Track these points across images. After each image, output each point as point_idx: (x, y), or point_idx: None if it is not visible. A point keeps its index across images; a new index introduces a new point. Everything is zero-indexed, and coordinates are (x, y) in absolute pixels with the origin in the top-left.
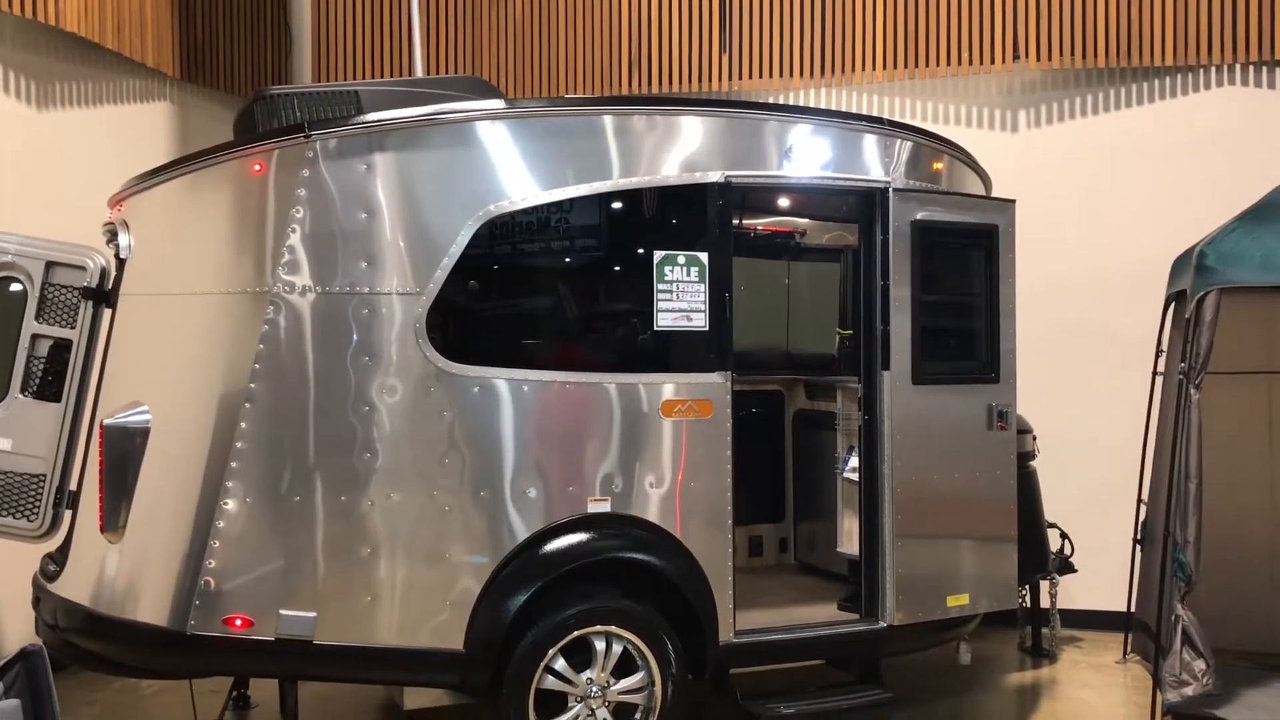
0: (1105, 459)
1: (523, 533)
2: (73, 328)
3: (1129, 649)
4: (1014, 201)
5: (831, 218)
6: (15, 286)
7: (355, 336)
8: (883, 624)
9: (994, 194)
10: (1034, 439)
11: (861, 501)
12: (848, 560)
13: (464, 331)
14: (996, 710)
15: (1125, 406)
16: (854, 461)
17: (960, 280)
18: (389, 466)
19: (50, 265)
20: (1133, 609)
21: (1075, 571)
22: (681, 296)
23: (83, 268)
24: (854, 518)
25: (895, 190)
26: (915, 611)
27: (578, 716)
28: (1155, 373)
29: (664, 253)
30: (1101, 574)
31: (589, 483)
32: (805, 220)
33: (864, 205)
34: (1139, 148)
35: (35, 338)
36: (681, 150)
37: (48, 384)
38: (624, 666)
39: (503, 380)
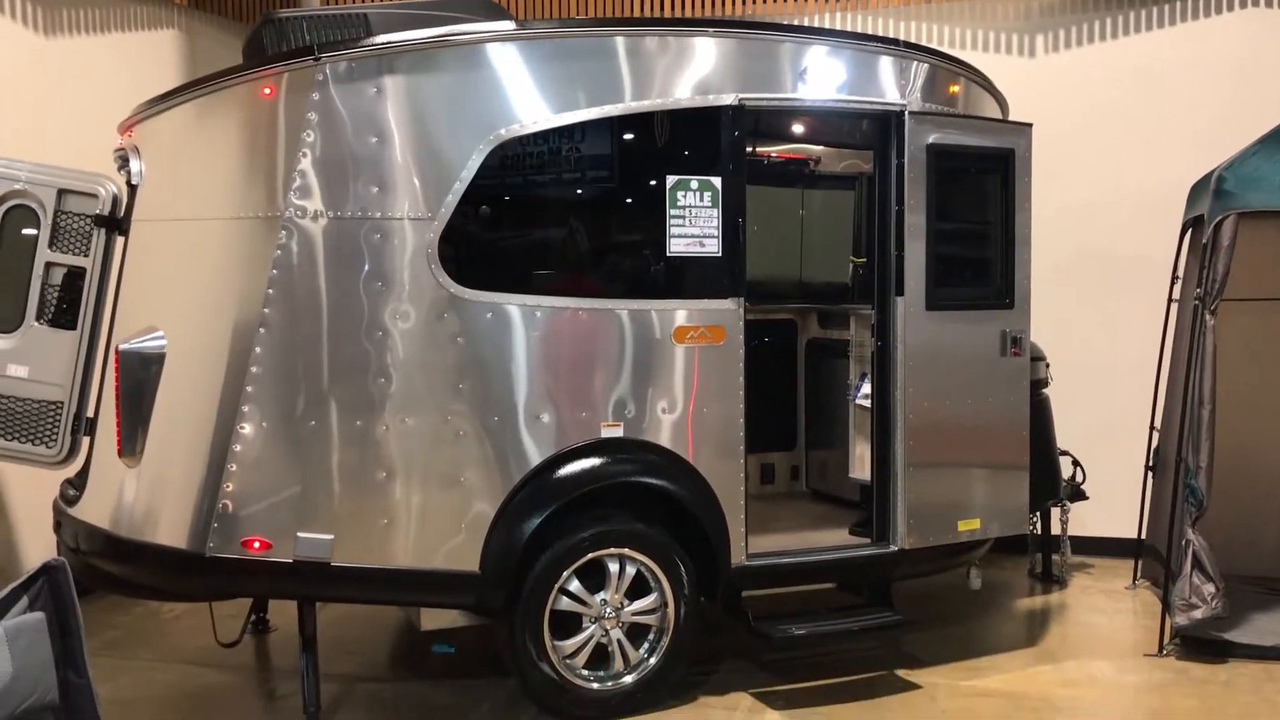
0: (1118, 386)
1: (536, 457)
2: (86, 255)
3: (1139, 574)
4: (1031, 125)
5: (845, 143)
6: (28, 215)
7: (368, 262)
8: (893, 548)
9: (1010, 118)
10: (1047, 366)
11: (874, 428)
12: (859, 486)
13: (476, 257)
14: (1006, 634)
15: (1139, 333)
16: (866, 388)
17: (975, 205)
18: (403, 391)
19: (62, 193)
20: (1144, 535)
21: (1086, 499)
22: (694, 222)
23: (95, 195)
24: (866, 444)
25: (911, 113)
26: (926, 536)
27: (592, 637)
28: (1170, 299)
29: (676, 177)
30: (1112, 501)
31: (602, 408)
32: (819, 146)
33: (879, 129)
34: (1157, 72)
35: (49, 265)
36: (694, 72)
37: (63, 312)
38: (637, 589)
39: (515, 306)
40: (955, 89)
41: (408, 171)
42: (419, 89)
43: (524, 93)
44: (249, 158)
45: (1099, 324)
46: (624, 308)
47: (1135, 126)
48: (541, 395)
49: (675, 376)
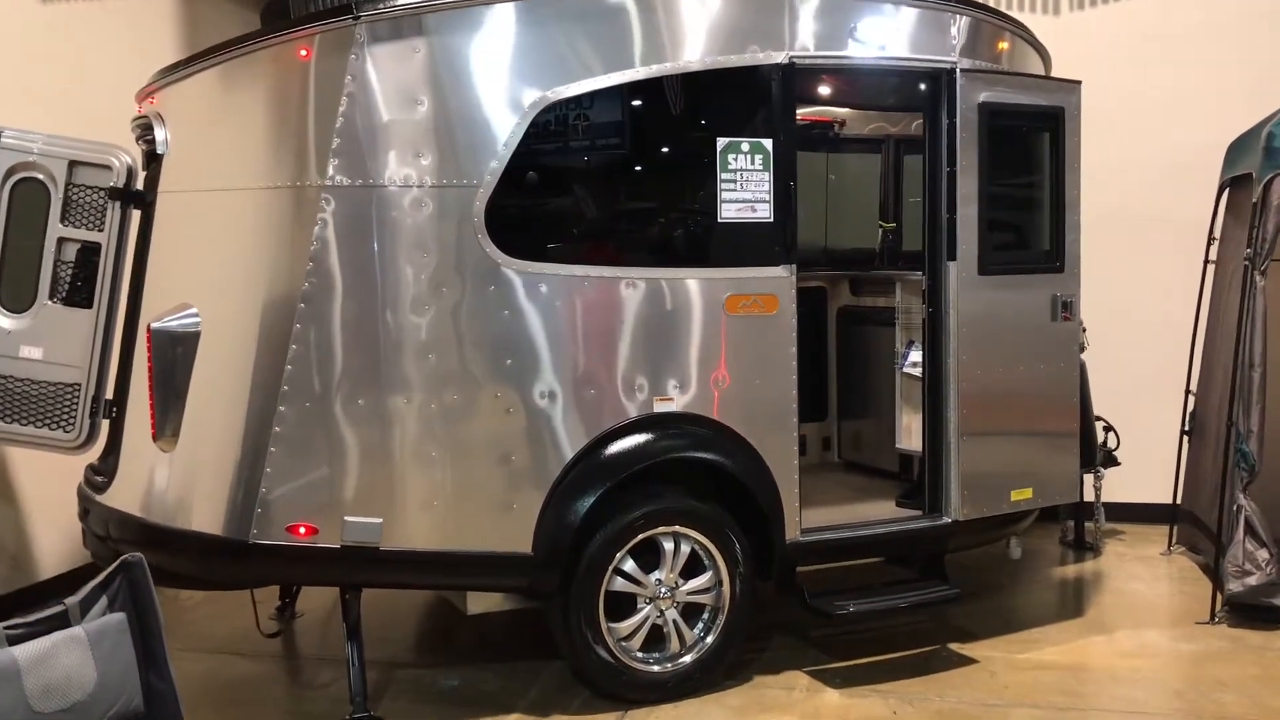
0: (1150, 349)
1: (588, 434)
2: (101, 230)
3: (1174, 540)
4: (1080, 83)
5: (891, 104)
6: (37, 188)
7: (412, 232)
8: (947, 519)
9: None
10: (1084, 330)
11: (926, 397)
12: (901, 456)
13: (524, 226)
14: (1051, 604)
15: (1172, 295)
16: (915, 356)
17: (1026, 166)
18: (451, 367)
19: (74, 165)
20: (1179, 501)
21: (1119, 464)
22: (745, 186)
23: (108, 167)
24: (914, 413)
25: (962, 71)
26: (980, 506)
27: (647, 618)
28: (1206, 261)
29: (727, 139)
30: (1144, 466)
31: (654, 382)
32: (864, 109)
33: (929, 88)
34: (1185, 28)
35: (62, 241)
36: (745, 28)
37: (77, 289)
38: (690, 568)
39: (563, 276)
40: (1003, 45)
41: (452, 137)
42: (463, 49)
43: (573, 53)
44: (284, 124)
45: (1129, 286)
46: (674, 277)
47: (1162, 84)
48: (592, 369)
49: (727, 347)
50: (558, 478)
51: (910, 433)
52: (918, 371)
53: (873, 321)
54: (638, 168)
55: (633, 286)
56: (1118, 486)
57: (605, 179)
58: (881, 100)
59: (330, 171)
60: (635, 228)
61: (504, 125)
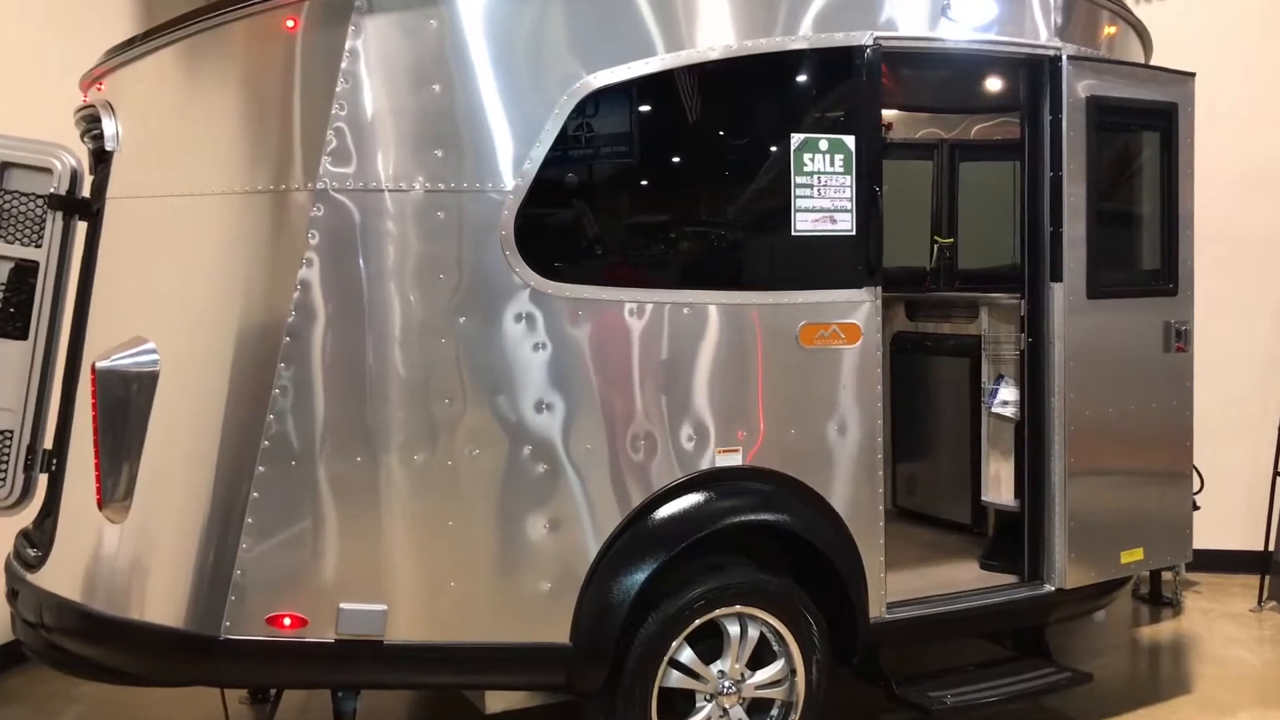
0: (1234, 380)
1: (638, 495)
2: (39, 246)
3: (1266, 595)
4: (1194, 75)
5: (983, 98)
6: None
7: (423, 249)
8: (1050, 587)
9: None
10: None
11: (1025, 442)
12: (977, 508)
13: (561, 241)
14: (1146, 676)
15: (1262, 319)
16: (1006, 393)
17: (1136, 172)
18: (471, 416)
19: (5, 167)
20: (1272, 549)
21: (1199, 509)
22: (824, 192)
23: (48, 170)
24: (1004, 461)
25: (1070, 59)
26: (1088, 571)
27: (709, 718)
28: None
29: (803, 136)
30: (1222, 510)
31: (714, 430)
32: (943, 106)
33: (1030, 78)
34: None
35: None
36: (823, 4)
37: (10, 317)
38: (757, 654)
39: (608, 302)
40: (1111, 30)
41: (475, 130)
42: (490, 22)
43: (620, 29)
44: (264, 112)
45: (1206, 306)
46: (738, 302)
47: (1251, 84)
48: (643, 417)
49: (802, 386)
50: (601, 550)
51: (1000, 483)
52: (1011, 411)
53: (935, 350)
54: (698, 170)
55: (691, 314)
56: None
57: (660, 183)
58: (972, 93)
59: (322, 173)
60: (693, 244)
61: (537, 117)
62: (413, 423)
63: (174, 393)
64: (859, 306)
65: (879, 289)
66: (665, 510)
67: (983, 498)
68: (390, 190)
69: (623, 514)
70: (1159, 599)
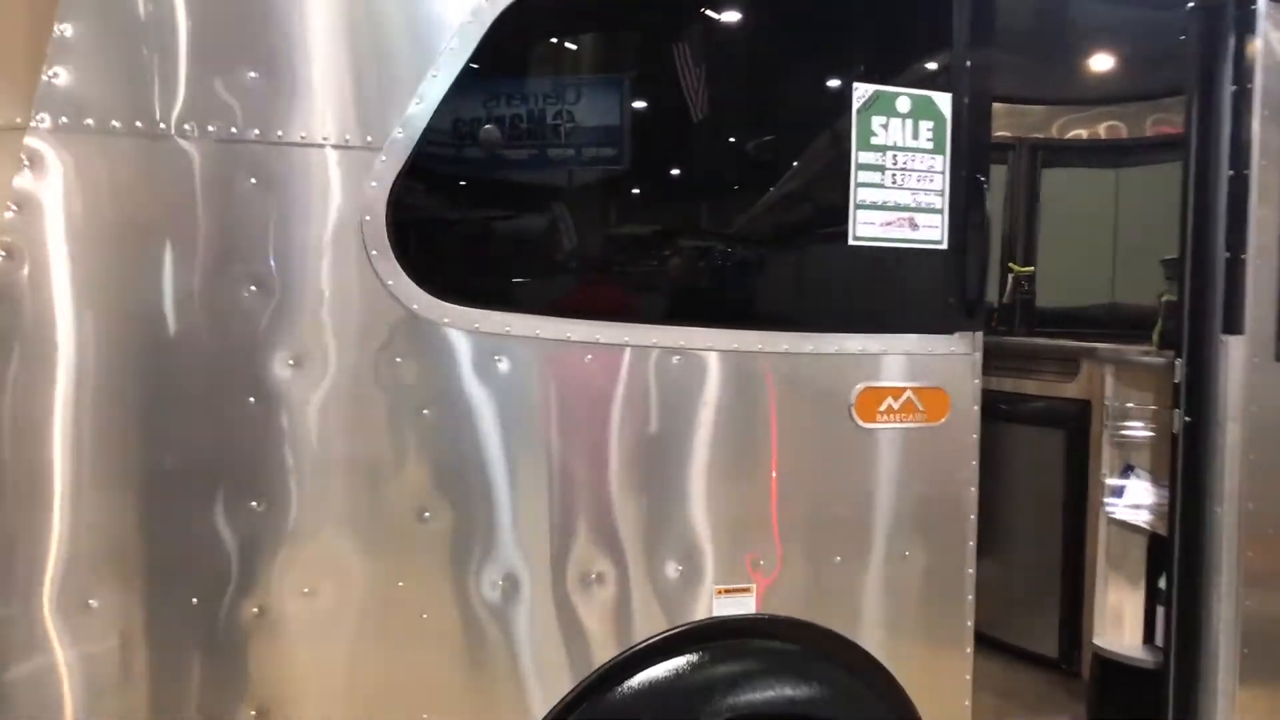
0: None
1: (585, 664)
2: None
3: None
4: None
5: (1113, 76)
6: None
7: (228, 239)
8: None
9: None
10: None
11: (1174, 563)
12: (1094, 655)
13: (470, 238)
14: None
15: None
16: (1139, 493)
17: None
18: (307, 522)
19: None
20: None
21: None
22: (902, 179)
23: None
24: (1130, 589)
25: (1270, 4)
26: None
27: None
28: None
29: (872, 89)
30: None
31: (716, 557)
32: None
33: (1205, 30)
34: None
35: None
36: None
37: None
38: None
39: (551, 342)
40: None
41: (322, 48)
42: None
43: None
44: None
45: None
46: (752, 347)
47: None
48: (597, 531)
49: (856, 486)
50: None
51: (1123, 621)
52: (1145, 519)
53: (1012, 416)
54: (693, 137)
55: (680, 365)
56: None
57: (634, 153)
58: (1093, 64)
59: (47, 103)
60: (687, 254)
61: (427, 38)
62: (197, 535)
63: None
64: (950, 361)
65: (980, 335)
66: (624, 687)
67: (1094, 640)
68: (158, 134)
69: (555, 698)
70: None
